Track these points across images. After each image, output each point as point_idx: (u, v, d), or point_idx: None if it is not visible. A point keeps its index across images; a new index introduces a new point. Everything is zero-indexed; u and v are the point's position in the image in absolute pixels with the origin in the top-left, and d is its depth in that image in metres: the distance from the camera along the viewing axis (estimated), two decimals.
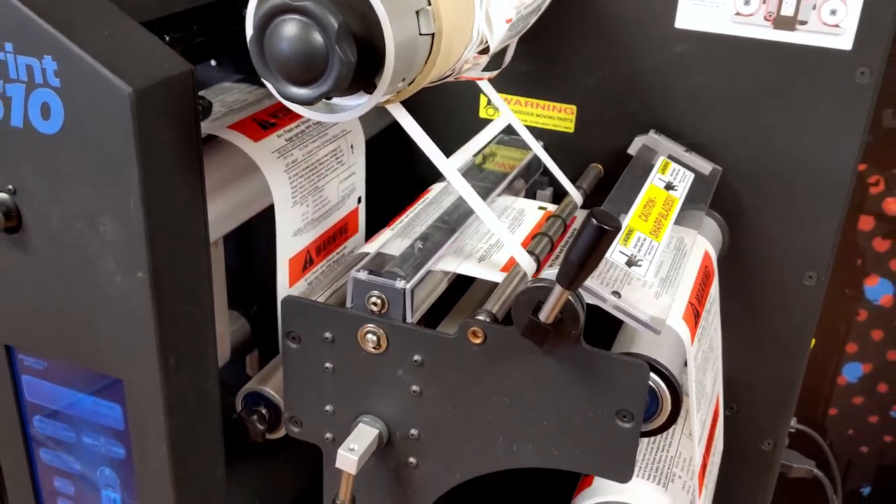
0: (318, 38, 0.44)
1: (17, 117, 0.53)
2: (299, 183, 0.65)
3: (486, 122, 0.81)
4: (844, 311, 1.61)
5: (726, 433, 0.77)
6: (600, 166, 0.77)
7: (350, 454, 0.57)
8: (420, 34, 0.48)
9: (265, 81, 0.46)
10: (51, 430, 0.64)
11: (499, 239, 0.62)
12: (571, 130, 0.78)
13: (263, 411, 0.71)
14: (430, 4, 0.48)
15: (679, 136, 0.73)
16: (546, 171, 0.76)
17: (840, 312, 1.61)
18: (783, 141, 0.71)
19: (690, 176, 0.69)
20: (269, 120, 0.66)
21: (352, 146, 0.71)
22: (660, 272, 0.61)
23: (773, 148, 0.72)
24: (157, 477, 0.61)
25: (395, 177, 0.81)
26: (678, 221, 0.68)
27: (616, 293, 0.51)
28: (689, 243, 0.66)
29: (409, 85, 0.50)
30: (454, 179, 0.56)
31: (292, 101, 0.46)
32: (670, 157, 0.71)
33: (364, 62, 0.46)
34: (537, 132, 0.78)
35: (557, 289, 0.48)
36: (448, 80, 0.57)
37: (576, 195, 0.72)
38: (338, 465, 0.57)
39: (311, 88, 0.45)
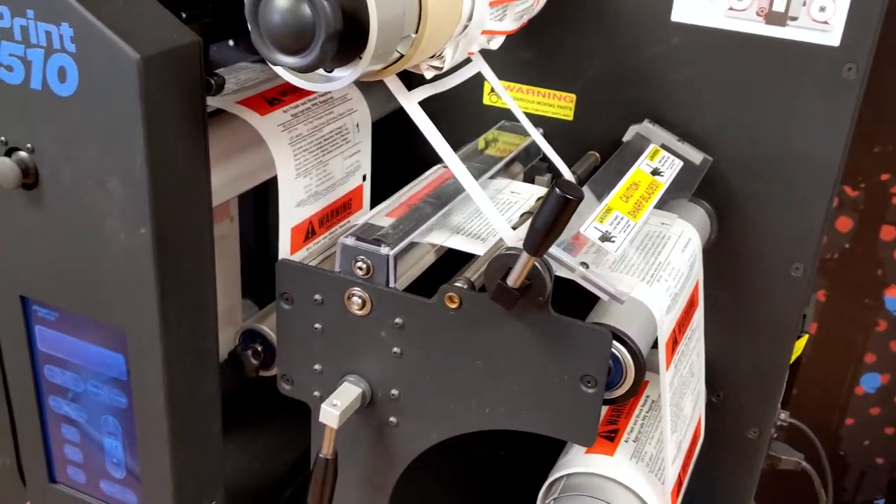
0: (307, 13, 0.47)
1: (36, 80, 0.56)
2: (303, 157, 0.68)
3: (490, 109, 0.85)
4: (864, 321, 1.61)
5: (712, 420, 0.79)
6: (597, 154, 0.79)
7: (332, 409, 0.60)
8: (396, 51, 0.52)
9: (256, 46, 0.50)
10: (59, 378, 0.67)
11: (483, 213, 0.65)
12: (571, 118, 0.81)
13: (259, 348, 0.74)
14: (416, 33, 0.52)
15: (673, 126, 0.75)
16: (545, 157, 0.78)
17: (859, 322, 1.61)
18: (772, 133, 0.73)
19: (679, 164, 0.71)
20: (276, 97, 0.69)
21: (357, 125, 0.74)
22: (642, 252, 0.64)
23: (762, 140, 0.74)
24: (155, 426, 0.64)
25: (400, 159, 0.84)
26: (665, 208, 0.71)
27: (584, 264, 0.54)
28: (694, 243, 0.68)
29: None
30: (415, 113, 0.59)
31: (279, 67, 0.49)
32: (662, 146, 0.73)
33: (348, 42, 0.49)
34: (538, 119, 0.81)
35: (524, 255, 0.51)
36: None
37: (571, 180, 0.74)
38: (320, 419, 0.60)
39: (299, 58, 0.48)
